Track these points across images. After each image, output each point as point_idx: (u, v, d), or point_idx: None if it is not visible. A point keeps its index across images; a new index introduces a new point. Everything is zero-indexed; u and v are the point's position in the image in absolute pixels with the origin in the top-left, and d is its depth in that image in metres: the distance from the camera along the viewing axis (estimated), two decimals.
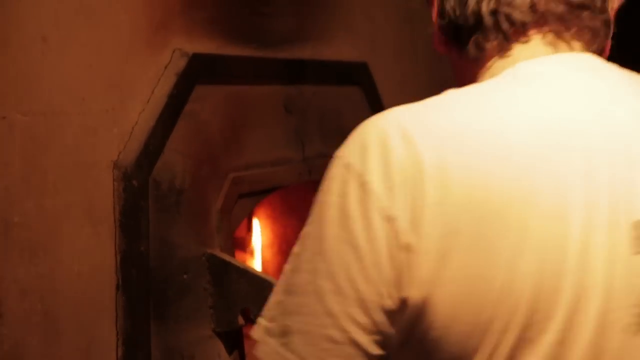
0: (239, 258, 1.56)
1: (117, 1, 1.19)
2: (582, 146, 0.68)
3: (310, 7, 1.64)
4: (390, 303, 0.66)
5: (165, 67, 1.27)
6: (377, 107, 1.81)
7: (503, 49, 0.78)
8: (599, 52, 0.79)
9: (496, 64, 0.78)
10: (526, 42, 0.77)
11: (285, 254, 1.88)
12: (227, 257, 1.31)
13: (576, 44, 0.77)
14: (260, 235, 1.87)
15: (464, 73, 0.82)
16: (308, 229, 0.72)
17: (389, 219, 0.65)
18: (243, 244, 1.71)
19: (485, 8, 0.78)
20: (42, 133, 1.09)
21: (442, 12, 0.82)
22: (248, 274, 1.29)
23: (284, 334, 0.70)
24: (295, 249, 0.73)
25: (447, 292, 0.64)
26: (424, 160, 0.66)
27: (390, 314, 0.66)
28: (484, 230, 0.64)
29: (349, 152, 0.71)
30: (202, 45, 1.34)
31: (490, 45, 0.78)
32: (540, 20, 0.76)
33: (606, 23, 0.78)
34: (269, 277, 1.29)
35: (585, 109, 0.71)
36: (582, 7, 0.76)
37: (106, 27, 1.18)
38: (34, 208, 1.08)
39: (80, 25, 1.14)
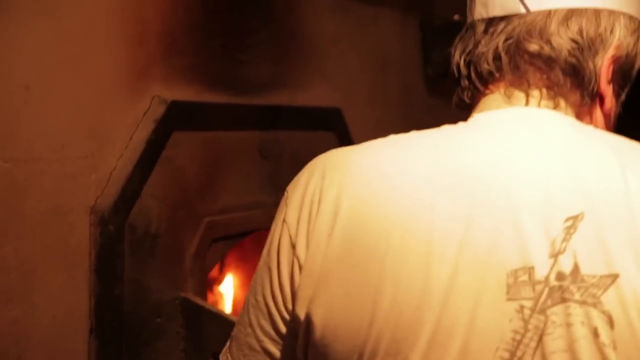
0: (210, 299, 1.57)
1: (100, 50, 1.22)
2: (480, 191, 0.70)
3: (286, 55, 1.68)
4: (288, 317, 0.74)
5: (144, 114, 1.30)
6: None
7: (474, 101, 0.83)
8: (578, 105, 0.79)
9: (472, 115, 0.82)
10: (489, 94, 0.81)
11: None
12: (199, 301, 1.33)
13: (534, 97, 0.79)
14: (232, 276, 1.88)
15: None
16: None
17: (293, 246, 0.73)
18: (215, 285, 1.72)
19: (462, 61, 0.82)
20: (21, 179, 1.11)
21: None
22: (220, 318, 1.31)
23: (230, 339, 0.82)
24: None
25: (324, 314, 0.70)
26: (326, 193, 0.72)
27: (291, 328, 0.74)
28: (357, 261, 0.70)
29: (290, 184, 0.80)
30: (180, 92, 1.37)
31: (466, 96, 0.83)
32: (503, 72, 0.80)
33: (575, 76, 0.79)
34: None
35: (501, 159, 0.72)
36: (544, 60, 0.79)
37: (88, 75, 1.20)
38: (11, 253, 1.10)
39: (62, 73, 1.16)
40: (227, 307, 1.68)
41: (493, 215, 0.69)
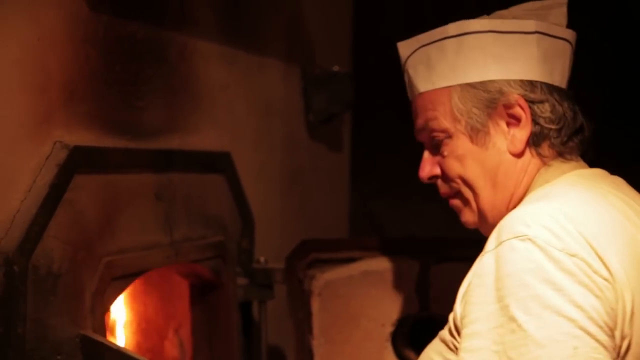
0: (108, 336, 1.62)
1: (4, 97, 1.27)
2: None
3: (177, 101, 1.77)
4: None
5: (47, 158, 1.35)
6: (238, 193, 1.95)
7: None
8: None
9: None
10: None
11: (144, 332, 1.95)
12: (99, 338, 1.39)
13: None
14: (121, 313, 1.93)
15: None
16: None
17: None
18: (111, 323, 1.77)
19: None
20: None
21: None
22: (120, 354, 1.37)
23: None
24: None
25: None
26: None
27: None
28: None
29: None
30: (81, 137, 1.43)
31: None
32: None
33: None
34: (140, 357, 1.37)
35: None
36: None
37: None
38: None
39: None
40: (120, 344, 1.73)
41: None
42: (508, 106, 1.29)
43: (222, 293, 1.86)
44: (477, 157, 1.31)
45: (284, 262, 1.93)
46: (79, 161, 1.39)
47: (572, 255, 1.07)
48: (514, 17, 1.34)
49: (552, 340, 1.02)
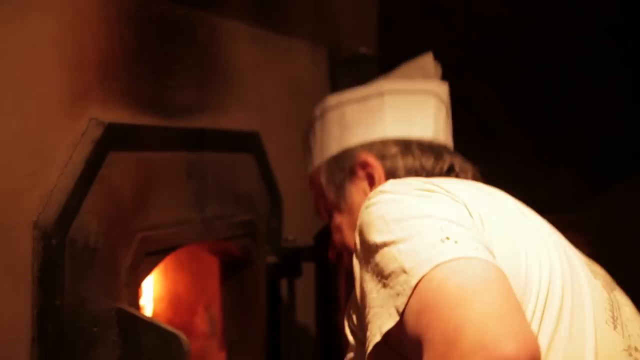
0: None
1: (42, 75, 1.30)
2: None
3: (207, 81, 1.80)
4: None
5: (82, 135, 1.38)
6: (267, 172, 1.97)
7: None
8: None
9: None
10: None
11: (175, 308, 1.98)
12: (134, 311, 1.42)
13: None
14: (152, 289, 1.96)
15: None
16: None
17: None
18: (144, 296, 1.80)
19: None
20: None
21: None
22: (154, 327, 1.40)
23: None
24: None
25: None
26: None
27: None
28: None
29: None
30: (115, 115, 1.46)
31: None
32: None
33: None
34: (175, 330, 1.40)
35: None
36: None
37: (32, 98, 1.28)
38: None
39: (9, 95, 1.24)
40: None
41: None
42: (363, 167, 1.41)
43: (252, 271, 1.89)
44: (349, 223, 1.41)
45: (312, 240, 1.95)
46: (113, 138, 1.42)
47: (428, 190, 1.04)
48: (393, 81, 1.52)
49: (419, 236, 0.95)
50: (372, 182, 1.41)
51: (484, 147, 2.63)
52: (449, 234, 0.93)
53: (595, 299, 1.06)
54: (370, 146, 1.41)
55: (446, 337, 0.81)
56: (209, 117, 1.79)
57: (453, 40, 2.69)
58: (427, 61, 1.56)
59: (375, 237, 0.98)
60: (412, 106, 1.44)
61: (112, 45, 1.46)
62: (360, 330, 1.05)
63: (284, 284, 2.00)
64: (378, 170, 1.39)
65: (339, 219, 1.45)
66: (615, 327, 1.03)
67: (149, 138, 1.54)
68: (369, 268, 0.98)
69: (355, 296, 1.05)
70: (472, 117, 2.68)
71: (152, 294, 1.95)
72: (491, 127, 2.69)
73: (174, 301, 1.99)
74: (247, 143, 1.91)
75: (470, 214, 1.01)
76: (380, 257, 0.96)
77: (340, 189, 1.44)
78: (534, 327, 0.96)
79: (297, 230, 2.06)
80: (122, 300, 1.42)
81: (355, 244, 1.05)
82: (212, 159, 1.75)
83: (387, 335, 0.93)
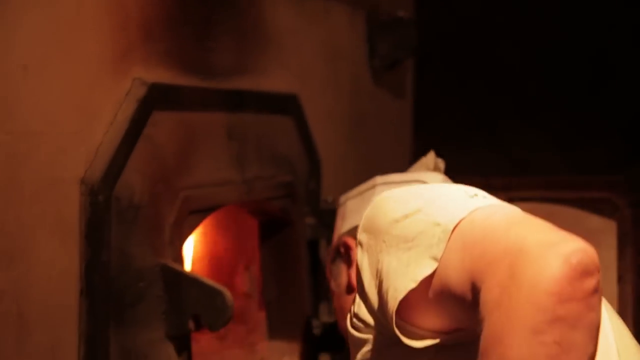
0: None
1: (88, 35, 1.33)
2: None
3: (247, 43, 1.81)
4: None
5: (127, 94, 1.40)
6: (306, 135, 1.98)
7: None
8: None
9: None
10: None
11: (215, 268, 2.02)
12: (179, 268, 1.45)
13: None
14: (192, 250, 2.00)
15: None
16: None
17: None
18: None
19: None
20: (21, 151, 1.21)
21: None
22: (198, 283, 1.43)
23: None
24: None
25: None
26: None
27: None
28: None
29: None
30: (158, 74, 1.48)
31: None
32: None
33: None
34: (218, 286, 1.43)
35: None
36: None
37: (77, 57, 1.31)
38: (12, 218, 1.19)
39: (55, 55, 1.26)
40: None
41: None
42: (345, 249, 1.52)
43: (291, 231, 1.91)
44: (338, 303, 1.57)
45: None
46: (156, 98, 1.44)
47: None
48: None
49: (444, 197, 0.92)
50: (350, 263, 1.50)
51: (525, 115, 2.62)
52: (476, 192, 0.92)
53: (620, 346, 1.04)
54: (353, 230, 1.43)
55: (510, 250, 0.78)
56: (249, 79, 1.80)
57: (490, 4, 2.67)
58: (429, 157, 1.62)
59: (392, 215, 0.92)
60: None
61: (154, 6, 1.48)
62: (374, 316, 0.99)
63: (322, 244, 2.02)
64: (354, 251, 1.41)
65: (335, 298, 1.60)
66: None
67: (190, 98, 1.56)
68: (385, 246, 0.92)
69: (359, 291, 1.00)
70: (512, 85, 2.66)
71: (192, 255, 1.99)
72: (531, 94, 2.67)
73: (214, 262, 2.02)
74: (286, 105, 1.92)
75: None
76: (402, 228, 0.90)
77: (337, 274, 1.55)
78: None
79: (335, 192, 2.07)
80: (166, 256, 1.45)
81: (359, 242, 0.99)
82: (251, 121, 1.77)
83: (404, 307, 0.87)
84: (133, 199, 1.39)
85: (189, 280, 1.43)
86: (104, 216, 1.33)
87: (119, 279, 1.36)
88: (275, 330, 1.96)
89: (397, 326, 0.89)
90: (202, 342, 1.98)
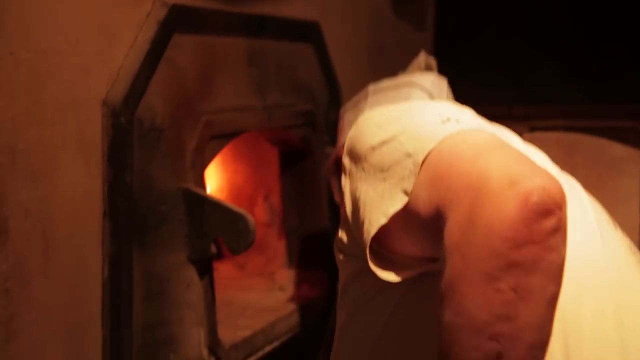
0: None
1: None
2: None
3: None
4: None
5: (147, 16, 1.38)
6: (326, 64, 1.96)
7: None
8: None
9: None
10: None
11: (235, 198, 2.02)
12: (201, 192, 1.44)
13: None
14: (213, 180, 2.00)
15: None
16: None
17: None
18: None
19: None
20: (43, 69, 1.19)
21: None
22: (221, 207, 1.43)
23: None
24: None
25: None
26: None
27: None
28: None
29: None
30: None
31: None
32: None
33: None
34: (241, 210, 1.42)
35: None
36: None
37: None
38: (35, 137, 1.19)
39: None
40: None
41: None
42: (335, 161, 1.45)
43: (311, 161, 1.90)
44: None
45: None
46: (177, 19, 1.42)
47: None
48: None
49: (417, 124, 0.91)
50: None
51: (545, 47, 2.58)
52: (450, 115, 0.90)
53: (596, 210, 1.01)
54: None
55: (472, 186, 0.76)
56: (270, 4, 1.77)
57: None
58: (420, 58, 1.58)
59: (368, 143, 0.93)
60: (392, 100, 1.41)
61: None
62: (353, 244, 0.99)
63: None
64: None
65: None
66: (615, 229, 1.00)
67: (211, 21, 1.53)
68: (364, 174, 0.93)
69: (342, 215, 1.00)
70: (532, 16, 2.61)
71: (212, 185, 1.99)
72: (551, 26, 2.62)
73: (234, 191, 2.02)
74: (308, 32, 1.89)
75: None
76: (378, 156, 0.91)
77: (334, 185, 1.47)
78: None
79: None
80: (188, 181, 1.45)
81: (343, 165, 1.00)
82: (272, 47, 1.74)
83: (386, 231, 0.87)
84: (155, 122, 1.38)
85: (211, 204, 1.43)
86: (126, 138, 1.32)
87: (142, 201, 1.36)
88: (295, 260, 1.97)
89: (375, 253, 0.89)
90: (222, 271, 1.99)
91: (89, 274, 1.30)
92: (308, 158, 1.90)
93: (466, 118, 0.92)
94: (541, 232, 0.73)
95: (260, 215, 1.99)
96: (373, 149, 0.91)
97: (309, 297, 1.88)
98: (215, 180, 2.00)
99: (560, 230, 0.75)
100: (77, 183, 1.26)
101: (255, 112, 1.65)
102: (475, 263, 0.74)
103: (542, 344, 0.76)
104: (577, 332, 0.84)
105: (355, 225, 0.93)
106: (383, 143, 0.90)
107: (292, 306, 1.81)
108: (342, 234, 1.06)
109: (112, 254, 1.31)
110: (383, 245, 0.90)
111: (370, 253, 0.90)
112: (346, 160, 0.97)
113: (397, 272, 0.91)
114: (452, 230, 0.78)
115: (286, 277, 1.96)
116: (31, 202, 1.18)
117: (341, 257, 1.09)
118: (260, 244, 1.99)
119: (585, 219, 0.95)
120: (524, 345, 0.74)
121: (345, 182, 0.97)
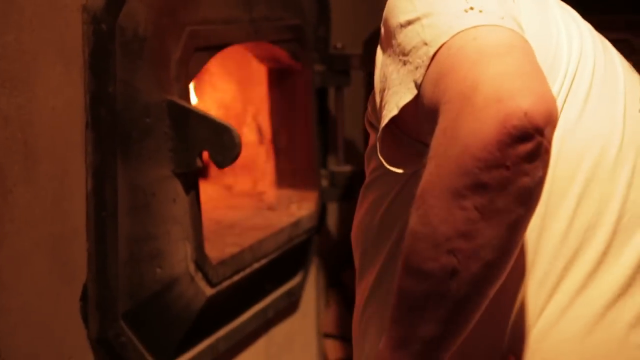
0: None
1: None
2: None
3: None
4: None
5: None
6: None
7: None
8: None
9: None
10: None
11: (223, 118, 1.98)
12: (186, 104, 1.41)
13: None
14: (200, 100, 1.96)
15: None
16: None
17: None
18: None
19: None
20: None
21: None
22: (206, 119, 1.40)
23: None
24: None
25: None
26: None
27: None
28: None
29: None
30: None
31: None
32: None
33: None
34: (226, 123, 1.39)
35: None
36: None
37: None
38: (13, 42, 1.15)
39: None
40: None
41: None
42: None
43: (300, 79, 1.87)
44: None
45: (362, 47, 1.91)
46: None
47: None
48: None
49: (442, 9, 0.86)
50: None
51: None
52: (474, 3, 0.86)
53: (629, 89, 1.00)
54: None
55: (462, 94, 0.76)
56: None
57: None
58: None
59: (399, 18, 0.91)
60: None
61: None
62: (377, 120, 0.98)
63: (332, 92, 1.98)
64: None
65: None
66: None
67: None
68: (391, 51, 0.92)
69: (374, 89, 1.00)
70: None
71: (199, 105, 1.95)
72: None
73: (222, 111, 1.99)
74: None
75: None
76: (404, 36, 0.90)
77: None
78: (558, 106, 0.92)
79: (345, 38, 2.01)
80: (172, 93, 1.41)
81: (380, 34, 1.00)
82: None
83: (403, 117, 0.87)
84: (138, 30, 1.34)
85: (197, 116, 1.40)
86: (108, 46, 1.28)
87: (125, 112, 1.33)
88: (283, 179, 1.95)
89: (391, 133, 0.89)
90: (210, 192, 1.97)
91: (72, 185, 1.27)
92: (296, 75, 1.87)
93: (493, 6, 0.88)
94: (514, 156, 0.73)
95: (249, 135, 1.96)
96: (401, 26, 0.90)
97: (298, 215, 1.86)
98: (202, 100, 1.96)
99: (538, 155, 0.74)
100: (58, 91, 1.23)
101: (241, 25, 1.61)
102: (447, 177, 0.75)
103: (501, 264, 0.77)
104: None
105: (380, 101, 0.93)
106: (409, 23, 0.89)
107: (280, 224, 1.79)
108: (370, 106, 1.05)
109: (95, 165, 1.28)
110: (398, 125, 0.90)
111: (384, 137, 0.90)
112: (382, 30, 0.96)
113: (405, 163, 0.91)
114: (437, 136, 0.78)
115: (275, 196, 1.95)
116: (10, 109, 1.15)
117: (369, 129, 1.07)
118: (249, 164, 1.96)
119: (614, 86, 0.97)
120: (479, 263, 0.75)
121: (379, 51, 0.96)
